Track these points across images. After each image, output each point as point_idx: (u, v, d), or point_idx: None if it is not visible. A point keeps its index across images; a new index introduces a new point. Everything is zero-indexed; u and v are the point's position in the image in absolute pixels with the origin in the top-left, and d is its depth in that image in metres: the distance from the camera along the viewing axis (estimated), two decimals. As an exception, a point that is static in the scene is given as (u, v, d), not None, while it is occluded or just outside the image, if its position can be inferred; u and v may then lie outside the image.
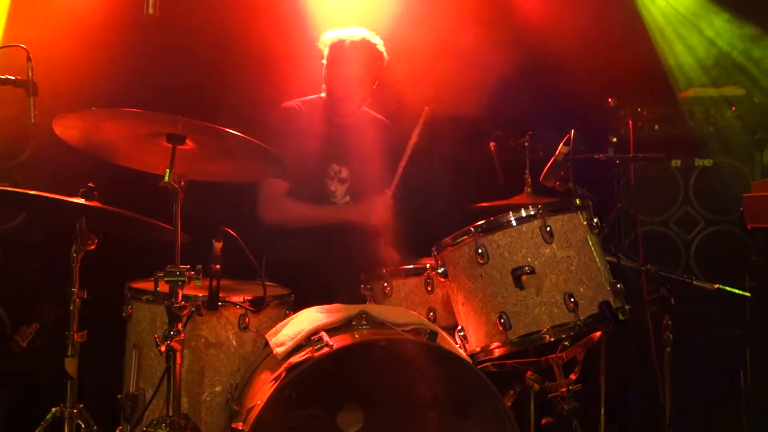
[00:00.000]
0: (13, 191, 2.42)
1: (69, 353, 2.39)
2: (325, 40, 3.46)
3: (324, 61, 3.45)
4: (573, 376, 2.74)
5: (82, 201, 2.41)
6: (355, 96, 3.45)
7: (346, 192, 3.45)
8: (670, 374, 2.96)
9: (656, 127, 4.16)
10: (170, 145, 2.30)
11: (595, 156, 3.71)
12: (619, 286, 2.59)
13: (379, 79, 3.50)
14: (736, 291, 2.97)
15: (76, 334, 2.40)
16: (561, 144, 2.86)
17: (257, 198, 3.36)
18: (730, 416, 3.63)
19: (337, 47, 3.42)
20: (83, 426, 2.39)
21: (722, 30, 4.32)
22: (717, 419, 3.67)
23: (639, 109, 4.14)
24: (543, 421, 2.80)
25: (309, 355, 2.31)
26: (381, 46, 3.45)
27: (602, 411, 3.14)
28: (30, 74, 2.46)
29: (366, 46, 3.41)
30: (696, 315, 3.72)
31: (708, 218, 4.11)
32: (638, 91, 4.21)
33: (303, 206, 3.33)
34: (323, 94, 3.51)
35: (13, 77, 2.51)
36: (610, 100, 4.13)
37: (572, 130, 2.80)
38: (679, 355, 3.08)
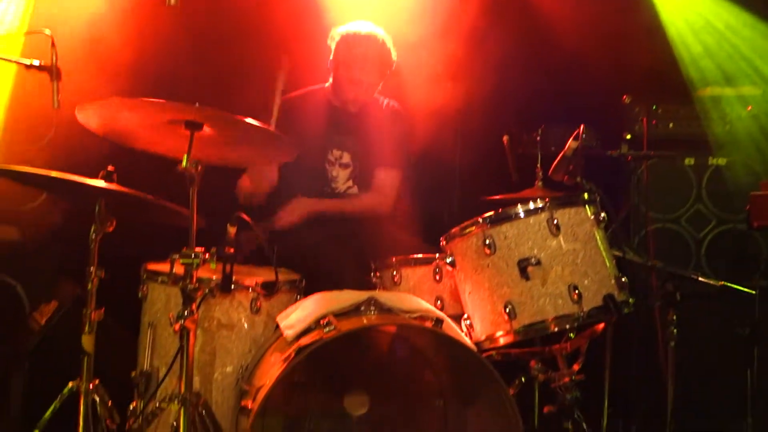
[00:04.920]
0: (36, 173, 2.48)
1: (86, 330, 2.45)
2: (334, 35, 3.44)
3: (331, 56, 3.44)
4: (576, 367, 2.78)
5: (102, 183, 2.47)
6: (360, 94, 3.43)
7: (349, 177, 3.49)
8: (675, 369, 2.98)
9: (671, 125, 4.15)
10: (188, 132, 2.37)
11: (608, 153, 3.75)
12: (624, 279, 2.63)
13: (387, 74, 3.46)
14: (742, 288, 2.99)
15: (93, 312, 2.46)
16: (570, 139, 2.89)
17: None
18: (735, 414, 3.64)
19: (344, 43, 3.39)
20: (98, 401, 2.44)
21: (743, 32, 4.30)
22: (722, 416, 3.69)
23: (654, 107, 4.14)
24: (545, 410, 2.84)
25: (318, 337, 2.38)
26: (389, 42, 3.42)
27: (606, 404, 3.17)
28: (54, 60, 2.52)
29: (373, 42, 3.38)
30: (705, 312, 3.73)
31: (720, 217, 4.10)
32: (654, 89, 4.21)
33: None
34: (328, 84, 3.51)
35: (37, 62, 2.57)
36: (625, 97, 4.15)
37: (581, 125, 2.84)
38: (687, 352, 3.09)
